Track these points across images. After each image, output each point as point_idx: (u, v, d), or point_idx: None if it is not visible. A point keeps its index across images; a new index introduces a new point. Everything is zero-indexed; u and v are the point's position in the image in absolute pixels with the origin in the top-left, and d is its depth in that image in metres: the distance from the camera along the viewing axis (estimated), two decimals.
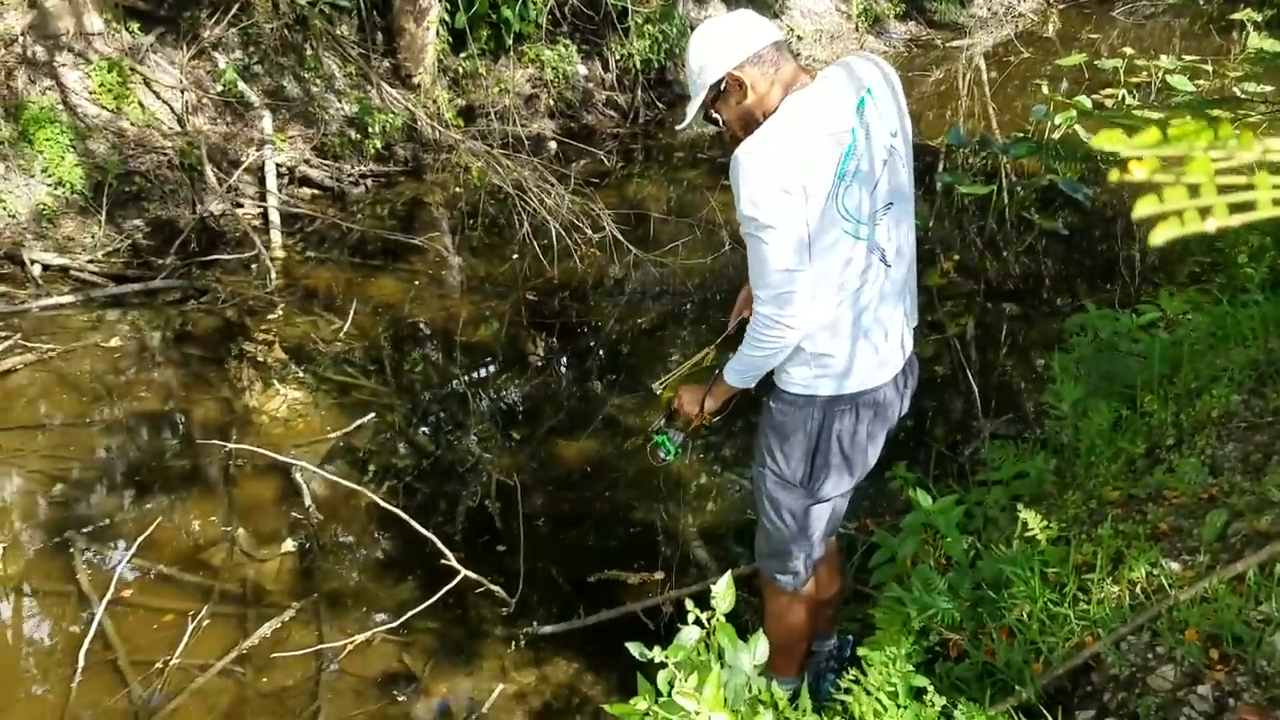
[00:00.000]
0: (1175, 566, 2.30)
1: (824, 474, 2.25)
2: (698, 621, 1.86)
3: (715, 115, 2.17)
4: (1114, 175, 0.51)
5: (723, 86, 2.07)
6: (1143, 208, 0.48)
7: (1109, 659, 2.10)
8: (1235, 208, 0.48)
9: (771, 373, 2.23)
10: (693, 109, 2.14)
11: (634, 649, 1.78)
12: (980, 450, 3.88)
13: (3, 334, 4.94)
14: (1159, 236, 0.49)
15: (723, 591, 1.89)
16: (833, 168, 1.96)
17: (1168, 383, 3.32)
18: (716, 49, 2.06)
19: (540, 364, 5.15)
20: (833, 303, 2.07)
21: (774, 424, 2.26)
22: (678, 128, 2.46)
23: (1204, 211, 0.47)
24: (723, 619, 1.88)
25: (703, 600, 1.89)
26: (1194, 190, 0.48)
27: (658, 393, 2.59)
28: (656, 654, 1.71)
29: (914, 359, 2.35)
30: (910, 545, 2.78)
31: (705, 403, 2.36)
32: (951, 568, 2.62)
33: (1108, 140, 0.49)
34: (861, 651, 2.30)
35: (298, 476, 3.89)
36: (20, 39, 6.05)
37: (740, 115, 2.10)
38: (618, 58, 8.99)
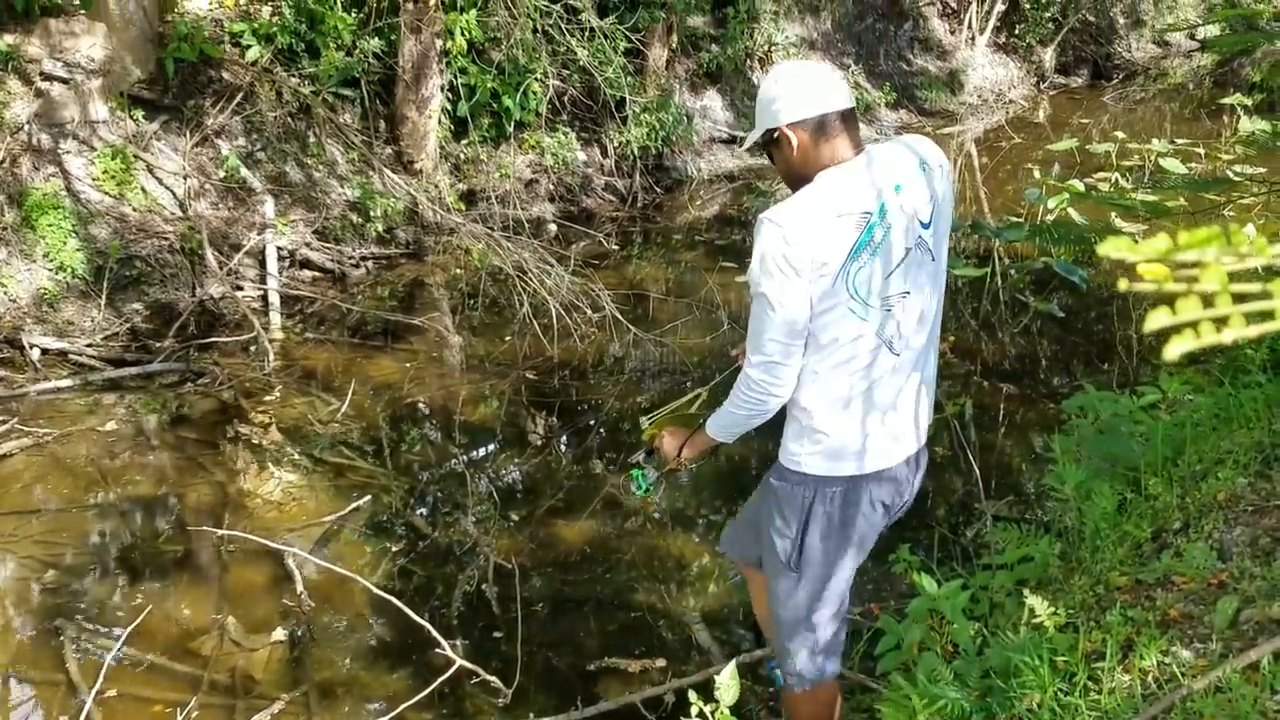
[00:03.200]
0: (1187, 654, 2.25)
1: (811, 555, 2.22)
2: (701, 715, 1.82)
3: (768, 152, 2.20)
4: (1123, 284, 0.50)
5: (776, 135, 2.09)
6: (1155, 321, 0.47)
7: None
8: (1252, 318, 0.47)
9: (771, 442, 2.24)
10: (751, 138, 2.19)
11: None
12: (983, 532, 3.84)
13: (0, 419, 4.92)
14: (1173, 350, 0.48)
15: (726, 682, 1.85)
16: (847, 247, 1.97)
17: (1171, 465, 3.29)
18: (784, 96, 2.06)
19: (540, 443, 5.12)
20: (832, 379, 2.07)
21: (772, 494, 2.25)
22: (737, 147, 2.54)
23: (1219, 323, 0.46)
24: (726, 711, 1.83)
25: (706, 690, 1.85)
26: (1207, 299, 0.47)
27: (644, 427, 2.58)
28: None
29: (924, 454, 2.33)
30: (916, 632, 2.73)
31: (684, 449, 2.38)
32: (959, 655, 2.57)
33: (1115, 248, 0.49)
34: None
35: (290, 562, 3.84)
36: (26, 127, 6.15)
37: (785, 167, 2.14)
38: (616, 144, 9.16)
